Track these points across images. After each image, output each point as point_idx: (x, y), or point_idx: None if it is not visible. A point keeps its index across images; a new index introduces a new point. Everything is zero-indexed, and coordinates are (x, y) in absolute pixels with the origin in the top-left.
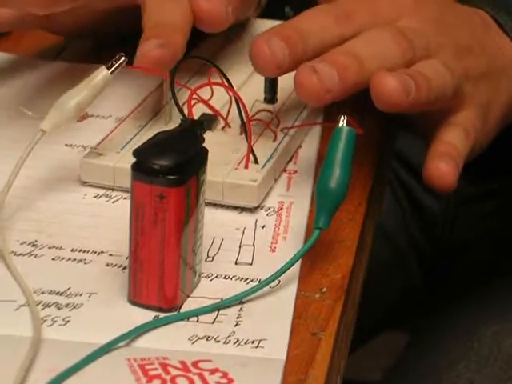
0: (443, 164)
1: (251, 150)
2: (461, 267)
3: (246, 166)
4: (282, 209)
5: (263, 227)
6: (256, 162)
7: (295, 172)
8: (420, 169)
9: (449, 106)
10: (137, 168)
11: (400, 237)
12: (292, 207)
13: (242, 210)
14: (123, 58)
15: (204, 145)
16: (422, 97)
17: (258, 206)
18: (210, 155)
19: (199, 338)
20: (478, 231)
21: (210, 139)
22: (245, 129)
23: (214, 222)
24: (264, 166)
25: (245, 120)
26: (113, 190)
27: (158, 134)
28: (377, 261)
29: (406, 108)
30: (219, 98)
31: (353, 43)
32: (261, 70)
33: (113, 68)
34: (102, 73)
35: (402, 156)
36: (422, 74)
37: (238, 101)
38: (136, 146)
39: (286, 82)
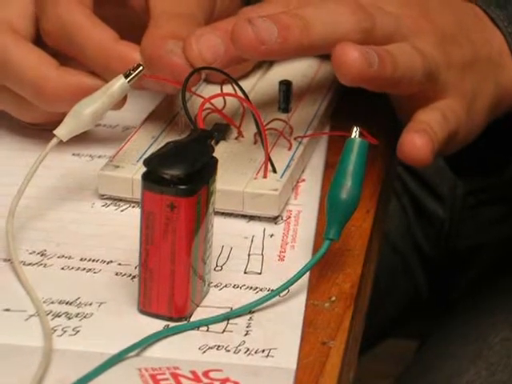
0: (417, 137)
1: (269, 159)
2: (467, 274)
3: (265, 176)
4: (290, 217)
5: (271, 236)
6: (274, 171)
7: (303, 180)
8: (425, 176)
9: (425, 92)
10: (147, 177)
11: (405, 244)
12: (300, 216)
13: (250, 218)
14: (141, 68)
15: (219, 155)
16: (386, 72)
17: (278, 216)
18: (227, 165)
19: (209, 348)
20: (483, 237)
21: (225, 149)
22: (261, 138)
23: (222, 231)
24: (283, 174)
25: (261, 130)
26: (121, 199)
27: (169, 143)
28: (382, 268)
29: (369, 81)
30: (230, 107)
31: (302, 8)
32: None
33: (130, 77)
34: (120, 81)
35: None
36: (387, 51)
37: (253, 111)
38: None
39: (293, 91)
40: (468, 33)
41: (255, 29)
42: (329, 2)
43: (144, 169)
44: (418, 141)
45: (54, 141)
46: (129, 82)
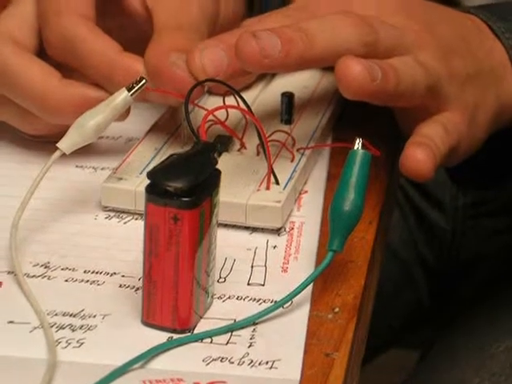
0: (419, 151)
1: (272, 171)
2: (470, 283)
3: (268, 187)
4: (293, 229)
5: (274, 247)
6: (277, 182)
7: (305, 192)
8: (427, 186)
9: (427, 105)
10: (151, 190)
11: (407, 254)
12: (303, 227)
13: (253, 230)
14: (144, 81)
15: (222, 166)
16: (389, 86)
17: (282, 228)
18: (229, 177)
19: (213, 360)
20: (486, 247)
21: (228, 161)
22: (264, 150)
23: (225, 243)
24: (286, 186)
25: (263, 142)
26: (124, 211)
27: (172, 155)
28: (384, 278)
29: (371, 95)
30: (232, 119)
31: (306, 22)
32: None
33: (133, 90)
34: (123, 95)
35: None
36: (390, 65)
37: (256, 124)
38: None
39: (295, 102)
40: (470, 45)
41: (259, 42)
42: (332, 15)
43: (147, 181)
44: (420, 155)
45: (57, 153)
46: (132, 95)
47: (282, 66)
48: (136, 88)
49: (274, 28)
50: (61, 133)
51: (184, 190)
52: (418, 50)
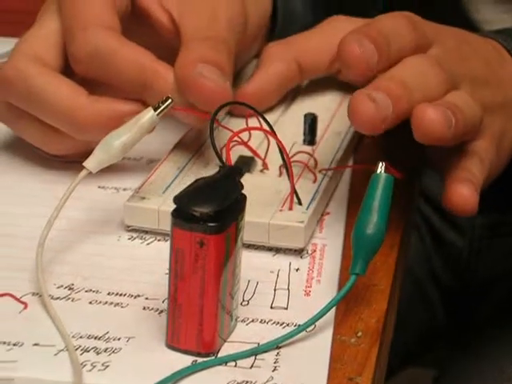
0: (465, 189)
1: (295, 192)
2: (487, 303)
3: (291, 208)
4: (315, 251)
5: (297, 270)
6: (300, 203)
7: (327, 214)
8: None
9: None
10: (177, 215)
11: (423, 273)
12: (325, 249)
13: (276, 252)
14: (170, 100)
15: (245, 187)
16: (459, 129)
17: (303, 249)
18: (252, 197)
19: (238, 383)
20: (502, 268)
21: (250, 181)
22: (287, 170)
23: (248, 265)
24: (308, 207)
25: (287, 162)
26: (147, 232)
27: (198, 180)
28: (400, 297)
29: (448, 141)
30: (254, 140)
31: (400, 71)
32: (354, 75)
33: (159, 110)
34: (149, 114)
35: (423, 191)
36: (457, 107)
37: (279, 144)
38: (178, 188)
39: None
40: (496, 73)
41: (377, 106)
42: (423, 65)
43: (170, 200)
44: (466, 192)
45: (84, 172)
46: (158, 114)
47: (390, 126)
48: (162, 107)
49: (380, 85)
50: (83, 153)
51: (210, 214)
52: (461, 83)
